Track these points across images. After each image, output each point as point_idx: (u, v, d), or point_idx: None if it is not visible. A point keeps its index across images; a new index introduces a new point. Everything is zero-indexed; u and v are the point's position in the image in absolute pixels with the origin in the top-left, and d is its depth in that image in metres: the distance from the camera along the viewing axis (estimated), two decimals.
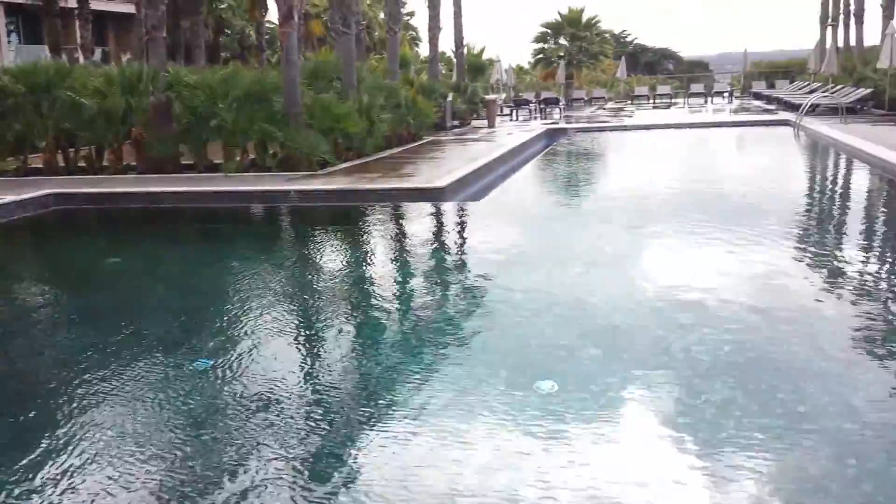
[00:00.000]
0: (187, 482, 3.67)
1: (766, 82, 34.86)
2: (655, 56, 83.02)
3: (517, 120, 28.48)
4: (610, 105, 35.27)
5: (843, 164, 14.30)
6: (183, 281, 8.03)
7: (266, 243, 10.01)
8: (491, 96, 26.46)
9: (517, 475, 3.57)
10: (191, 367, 5.13)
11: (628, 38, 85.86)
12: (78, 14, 24.26)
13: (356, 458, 3.88)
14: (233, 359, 5.29)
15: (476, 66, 41.47)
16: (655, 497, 3.38)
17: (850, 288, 6.43)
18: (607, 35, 42.16)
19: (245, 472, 3.69)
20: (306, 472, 3.73)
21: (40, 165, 14.91)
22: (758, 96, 32.49)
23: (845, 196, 11.92)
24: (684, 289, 6.33)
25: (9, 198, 11.64)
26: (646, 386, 4.48)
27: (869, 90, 21.64)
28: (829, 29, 31.24)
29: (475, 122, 26.10)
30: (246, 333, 5.94)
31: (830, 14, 31.48)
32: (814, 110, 21.41)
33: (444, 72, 36.61)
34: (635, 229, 9.12)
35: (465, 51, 43.72)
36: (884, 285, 6.60)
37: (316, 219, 11.17)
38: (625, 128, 22.91)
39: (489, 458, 3.75)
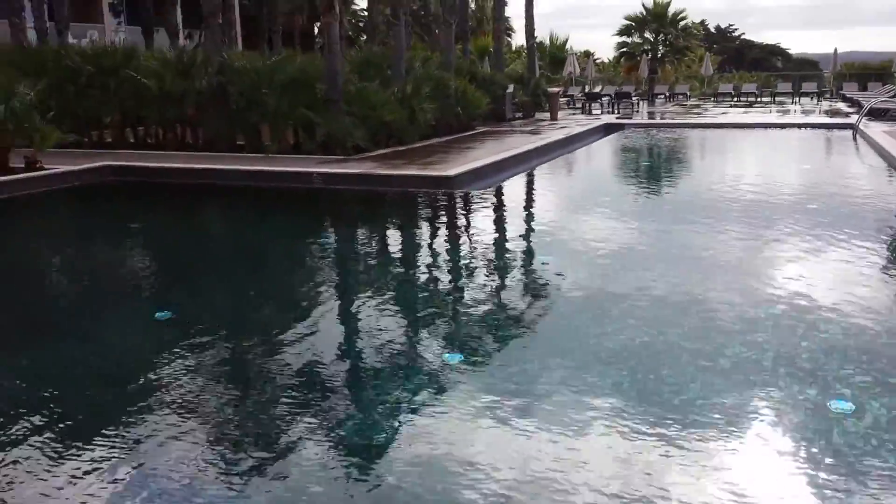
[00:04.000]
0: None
1: (857, 84, 33.34)
2: (762, 52, 79.94)
3: (590, 114, 28.48)
4: (691, 102, 34.56)
5: (878, 168, 13.83)
6: (179, 245, 8.99)
7: (279, 220, 10.82)
8: (553, 89, 26.55)
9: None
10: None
11: (735, 33, 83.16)
12: None
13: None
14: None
15: (558, 59, 41.52)
16: None
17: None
18: (695, 31, 41.08)
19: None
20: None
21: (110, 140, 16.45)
22: (845, 98, 31.15)
23: (859, 196, 11.63)
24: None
25: (65, 167, 12.97)
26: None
27: None
28: None
29: (539, 115, 26.30)
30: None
31: None
32: (884, 115, 20.59)
33: (540, 64, 36.62)
34: (656, 228, 9.43)
35: (548, 42, 43.91)
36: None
37: (329, 200, 11.95)
38: (686, 125, 22.63)
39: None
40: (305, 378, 4.92)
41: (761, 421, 4.18)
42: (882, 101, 19.88)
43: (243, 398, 4.70)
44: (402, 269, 7.93)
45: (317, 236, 9.67)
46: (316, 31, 40.25)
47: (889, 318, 5.81)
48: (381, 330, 5.87)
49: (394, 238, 9.82)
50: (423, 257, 8.50)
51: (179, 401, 4.52)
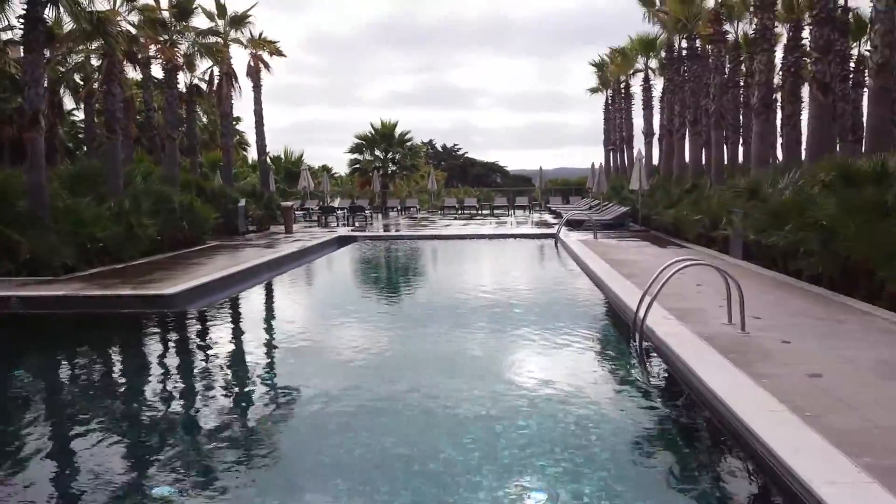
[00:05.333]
0: None
1: (561, 198, 37.83)
2: (484, 169, 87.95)
3: (326, 226, 29.04)
4: (421, 215, 36.73)
5: (567, 270, 15.57)
6: None
7: None
8: (287, 203, 26.87)
9: None
10: None
11: (459, 152, 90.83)
12: None
13: None
14: None
15: (294, 172, 42.28)
16: None
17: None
18: (422, 149, 44.32)
19: None
20: None
21: None
22: (551, 211, 35.13)
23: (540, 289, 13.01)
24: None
25: None
26: None
27: (627, 208, 24.06)
28: (609, 152, 34.71)
29: (275, 228, 26.33)
30: None
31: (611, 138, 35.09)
32: (580, 225, 23.46)
33: (276, 177, 36.67)
34: (379, 336, 9.55)
35: (283, 156, 44.69)
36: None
37: (31, 326, 10.78)
38: (414, 237, 23.94)
39: None
40: None
41: None
42: (575, 213, 22.69)
43: None
44: (100, 401, 7.29)
45: (15, 370, 8.61)
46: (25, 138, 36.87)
47: (586, 410, 6.44)
48: (91, 469, 5.35)
49: (98, 366, 9.03)
50: (130, 385, 7.89)
51: None
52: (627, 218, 24.12)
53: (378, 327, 10.42)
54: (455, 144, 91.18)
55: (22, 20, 14.53)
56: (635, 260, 14.79)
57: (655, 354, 7.92)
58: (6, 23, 15.80)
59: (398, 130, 39.77)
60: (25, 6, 14.38)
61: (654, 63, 32.68)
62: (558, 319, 10.32)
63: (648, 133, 32.01)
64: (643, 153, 25.55)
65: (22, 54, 17.02)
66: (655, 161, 31.26)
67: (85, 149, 33.52)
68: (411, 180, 43.84)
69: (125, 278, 13.29)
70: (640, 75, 33.38)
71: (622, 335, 9.42)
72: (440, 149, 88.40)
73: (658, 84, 32.30)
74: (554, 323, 10.00)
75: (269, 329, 11.03)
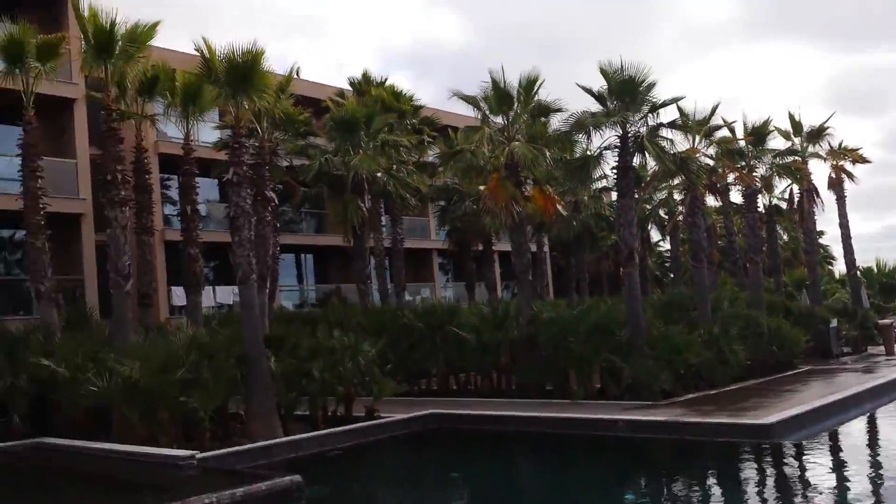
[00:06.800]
0: None
1: None
2: None
3: None
4: None
5: None
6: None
7: (591, 473, 10.82)
8: (886, 321, 23.96)
9: None
10: None
11: None
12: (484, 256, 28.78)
13: None
14: None
15: (890, 286, 37.85)
16: None
17: None
18: None
19: None
20: None
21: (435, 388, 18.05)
22: None
23: None
24: None
25: (398, 416, 14.40)
26: None
27: None
28: None
29: (872, 349, 23.72)
30: None
31: None
32: None
33: (869, 292, 33.65)
34: None
35: (875, 267, 40.47)
36: None
37: (637, 450, 11.72)
38: None
39: None
40: None
41: None
42: None
43: None
44: None
45: (627, 493, 9.49)
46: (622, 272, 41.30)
47: None
48: None
49: (707, 499, 9.25)
50: None
51: None
52: None
53: None
54: None
55: (614, 170, 16.78)
56: None
57: None
58: (601, 173, 18.38)
59: None
60: (617, 158, 16.60)
61: None
62: None
63: None
64: None
65: (614, 198, 19.59)
66: None
67: (672, 276, 36.01)
68: None
69: (719, 405, 13.53)
70: None
71: None
72: None
73: None
74: None
75: (880, 468, 9.83)
